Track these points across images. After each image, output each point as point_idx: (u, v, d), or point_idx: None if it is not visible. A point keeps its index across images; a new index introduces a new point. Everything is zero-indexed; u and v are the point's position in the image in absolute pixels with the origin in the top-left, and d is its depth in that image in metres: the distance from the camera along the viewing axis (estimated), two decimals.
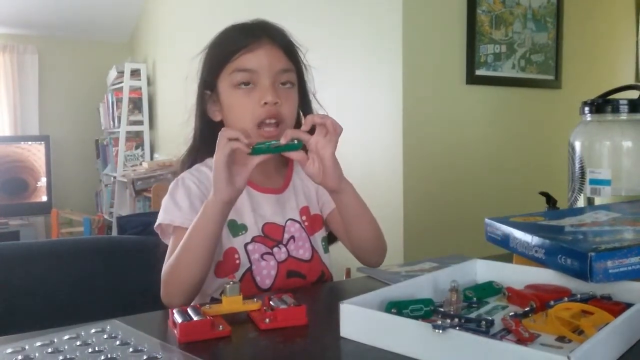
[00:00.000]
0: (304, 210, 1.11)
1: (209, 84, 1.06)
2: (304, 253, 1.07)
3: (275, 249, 1.04)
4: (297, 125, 1.05)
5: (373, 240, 1.07)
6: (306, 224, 1.10)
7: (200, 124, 1.09)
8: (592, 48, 2.73)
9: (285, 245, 1.06)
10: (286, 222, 1.08)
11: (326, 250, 1.11)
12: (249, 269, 1.02)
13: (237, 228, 1.04)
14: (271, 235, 1.05)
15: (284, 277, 1.03)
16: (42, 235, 4.65)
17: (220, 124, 1.05)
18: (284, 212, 1.08)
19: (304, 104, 1.10)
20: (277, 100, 1.00)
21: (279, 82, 1.02)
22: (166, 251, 1.08)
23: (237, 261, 1.02)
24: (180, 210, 1.01)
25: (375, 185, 2.21)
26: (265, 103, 0.99)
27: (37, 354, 0.67)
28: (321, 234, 1.12)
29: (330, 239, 1.15)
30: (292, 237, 1.07)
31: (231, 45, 1.03)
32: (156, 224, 1.04)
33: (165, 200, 1.04)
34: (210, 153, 0.98)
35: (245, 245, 1.03)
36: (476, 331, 0.68)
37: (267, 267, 1.03)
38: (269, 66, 1.01)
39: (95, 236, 3.87)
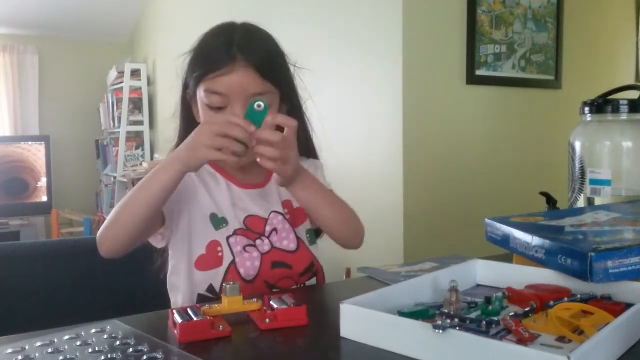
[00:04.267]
0: (286, 204, 1.11)
1: (190, 89, 1.07)
2: (288, 244, 1.08)
3: (258, 241, 1.05)
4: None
5: (338, 226, 1.09)
6: (288, 216, 1.10)
7: (184, 123, 1.12)
8: (592, 48, 2.73)
9: (268, 237, 1.06)
10: (269, 214, 1.08)
11: (312, 242, 1.12)
12: (232, 262, 1.02)
13: (218, 221, 1.05)
14: (253, 228, 1.06)
15: (268, 268, 1.04)
16: (42, 235, 4.64)
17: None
18: (267, 204, 1.09)
19: (294, 115, 1.08)
20: None
21: None
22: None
23: (220, 254, 1.02)
24: None
25: (375, 185, 2.21)
26: None
27: (37, 354, 0.67)
28: (305, 226, 1.12)
29: (317, 231, 1.15)
30: (275, 229, 1.07)
31: (208, 61, 1.02)
32: None
33: None
34: None
35: (227, 238, 1.04)
36: (476, 331, 0.68)
37: (250, 259, 1.03)
38: (241, 91, 1.00)
39: (95, 236, 3.86)
